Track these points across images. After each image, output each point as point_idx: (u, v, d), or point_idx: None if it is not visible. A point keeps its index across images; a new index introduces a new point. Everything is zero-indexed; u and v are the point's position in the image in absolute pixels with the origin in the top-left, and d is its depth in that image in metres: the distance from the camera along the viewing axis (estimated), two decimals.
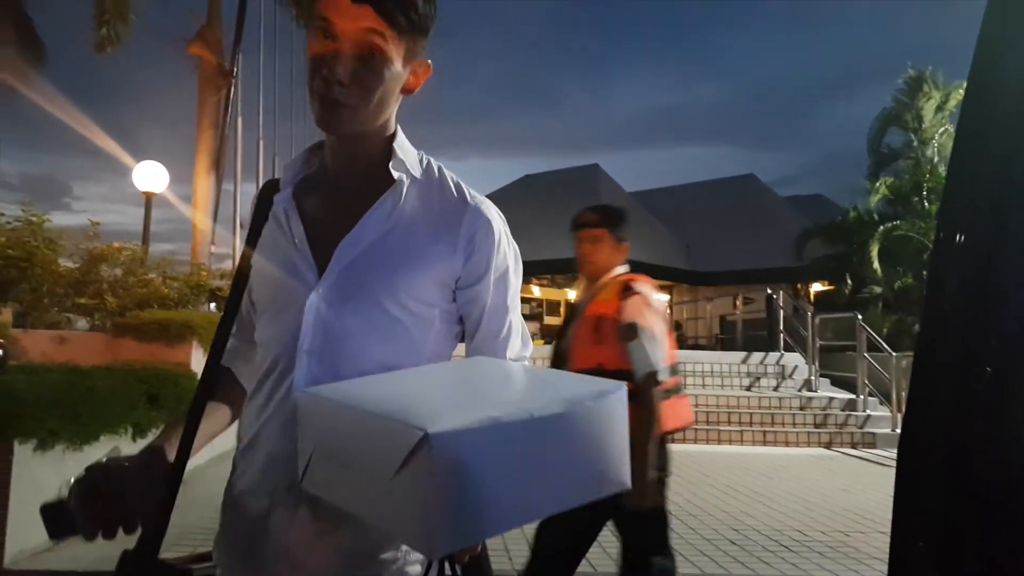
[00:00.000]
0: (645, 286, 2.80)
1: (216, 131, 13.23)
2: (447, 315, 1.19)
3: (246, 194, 15.01)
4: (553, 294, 27.44)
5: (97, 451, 4.22)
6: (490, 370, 1.12)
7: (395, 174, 1.16)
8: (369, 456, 0.85)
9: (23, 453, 3.88)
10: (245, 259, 1.21)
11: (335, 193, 1.19)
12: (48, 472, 3.98)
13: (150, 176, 10.56)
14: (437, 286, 1.16)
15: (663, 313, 2.75)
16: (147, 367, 5.95)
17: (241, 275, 1.22)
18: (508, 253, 1.25)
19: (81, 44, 11.40)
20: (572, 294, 27.53)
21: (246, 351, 1.28)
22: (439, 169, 1.24)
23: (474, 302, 1.21)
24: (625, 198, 26.52)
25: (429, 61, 1.18)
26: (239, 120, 14.22)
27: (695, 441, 9.20)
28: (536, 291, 26.90)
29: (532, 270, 24.21)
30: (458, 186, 1.23)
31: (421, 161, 1.23)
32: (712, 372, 11.35)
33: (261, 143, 14.95)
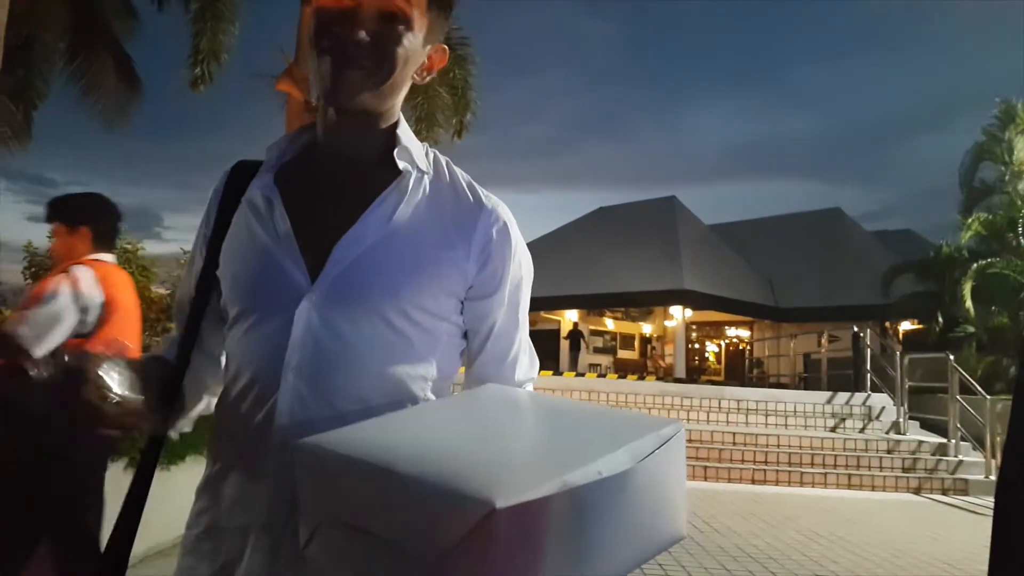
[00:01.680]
0: (80, 268, 2.82)
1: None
2: (454, 330, 1.04)
3: None
4: (627, 327, 27.03)
5: (183, 472, 4.27)
6: (527, 407, 0.97)
7: (400, 164, 1.01)
8: (410, 530, 0.70)
9: (114, 472, 3.89)
10: (211, 254, 1.05)
11: (327, 183, 1.03)
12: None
13: None
14: (446, 296, 1.00)
15: (83, 291, 2.75)
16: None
17: (207, 275, 1.05)
18: (523, 262, 1.10)
19: (175, 81, 11.87)
20: (647, 328, 27.03)
21: (201, 365, 1.09)
22: (447, 164, 1.10)
23: (484, 316, 1.06)
24: (704, 231, 26.06)
25: (446, 47, 1.06)
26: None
27: (776, 483, 8.73)
28: (610, 324, 26.54)
29: (605, 303, 23.95)
30: (471, 184, 1.08)
31: (428, 154, 1.08)
32: (795, 412, 10.88)
33: None
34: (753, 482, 8.62)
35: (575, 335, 22.75)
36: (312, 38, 0.97)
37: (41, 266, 8.34)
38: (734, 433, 9.55)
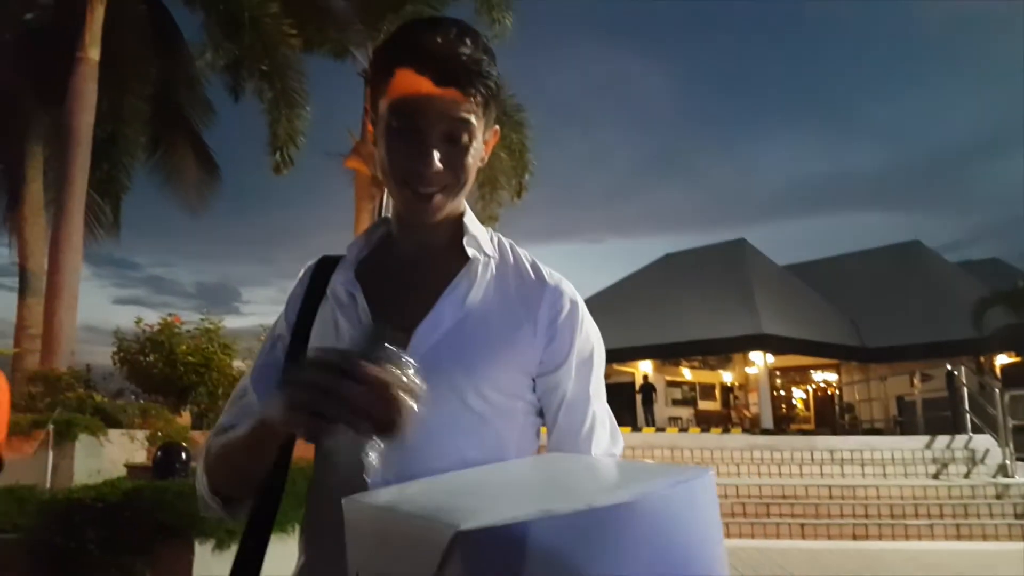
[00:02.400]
0: None
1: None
2: (530, 408, 1.08)
3: None
4: (706, 376, 26.38)
5: (267, 551, 4.37)
6: (561, 462, 0.99)
7: (470, 251, 1.07)
8: (408, 562, 0.73)
9: (202, 552, 4.01)
10: (295, 344, 1.10)
11: (402, 273, 1.10)
12: (224, 570, 3.97)
13: None
14: (520, 375, 1.05)
15: None
16: (312, 465, 6.00)
17: (291, 361, 1.09)
18: (591, 336, 1.12)
19: (250, 163, 12.50)
20: (727, 376, 26.36)
21: None
22: (511, 246, 1.16)
23: (554, 390, 1.08)
24: (778, 272, 25.52)
25: (497, 128, 1.11)
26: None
27: (879, 538, 8.27)
28: (687, 374, 25.95)
29: (681, 352, 23.46)
30: (534, 264, 1.14)
31: (492, 239, 1.14)
32: (893, 459, 10.34)
33: None
34: (854, 538, 8.18)
35: (647, 388, 22.34)
36: (387, 167, 1.02)
37: (128, 350, 8.65)
38: (830, 486, 9.13)
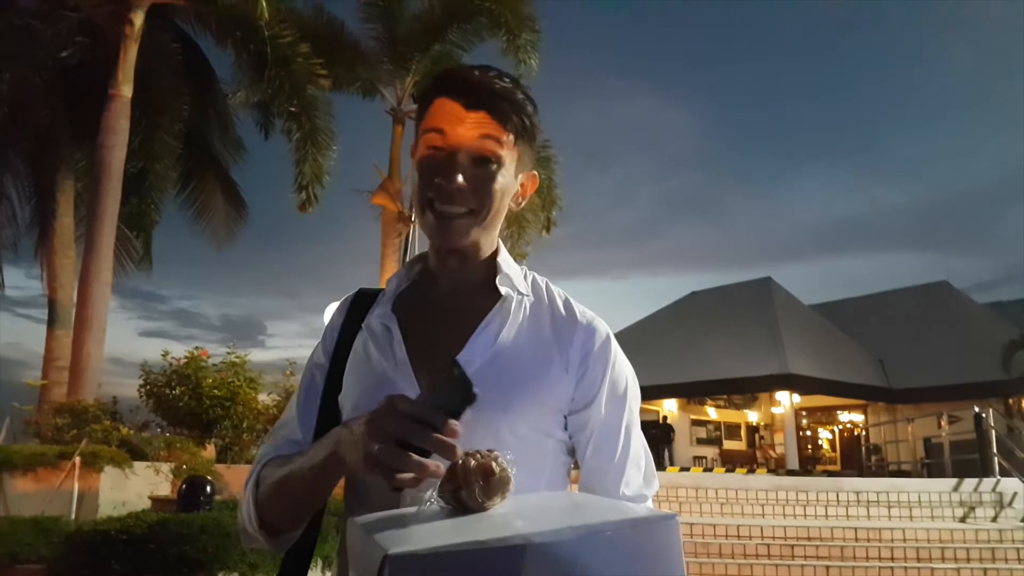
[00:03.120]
0: None
1: (397, 271, 14.17)
2: (561, 446, 1.08)
3: None
4: (732, 416, 26.03)
5: None
6: (552, 499, 0.96)
7: (503, 290, 1.09)
8: None
9: None
10: (333, 377, 1.13)
11: (437, 310, 1.12)
12: None
13: None
14: (551, 412, 1.06)
15: None
16: (335, 501, 6.00)
17: (329, 396, 1.12)
18: (624, 373, 1.12)
19: (277, 199, 12.72)
20: (753, 416, 26.02)
21: None
22: (545, 284, 1.18)
23: (584, 427, 1.08)
24: (805, 311, 25.29)
25: (535, 173, 1.15)
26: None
27: None
28: (712, 413, 25.63)
29: (706, 390, 23.21)
30: (567, 302, 1.15)
31: (526, 277, 1.16)
32: (920, 502, 10.14)
33: None
34: None
35: (665, 428, 22.01)
36: (417, 191, 1.06)
37: (155, 383, 8.74)
38: (856, 528, 8.96)
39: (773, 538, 8.81)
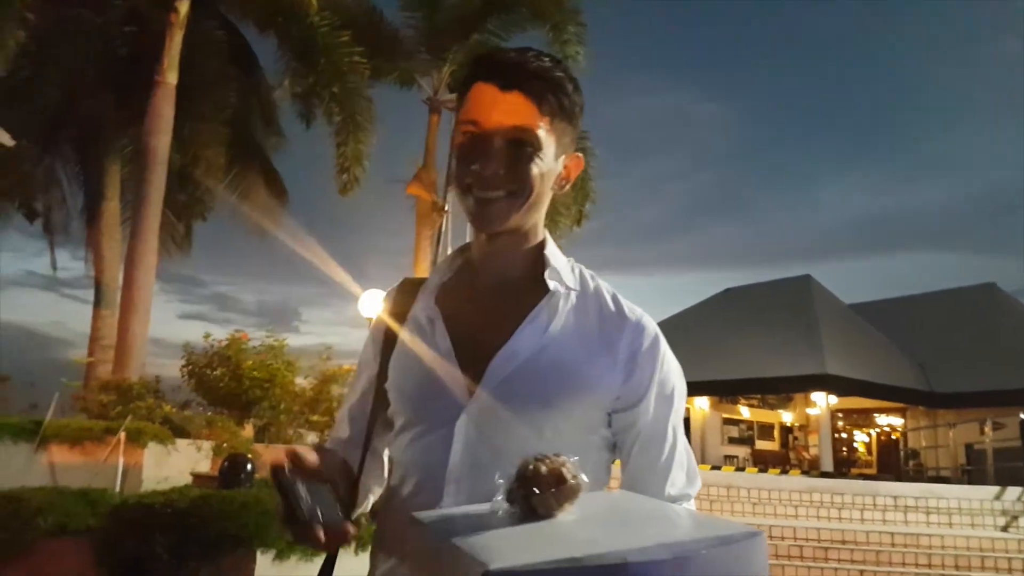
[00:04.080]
0: None
1: (430, 261, 14.19)
2: (604, 443, 1.09)
3: None
4: (765, 416, 25.73)
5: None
6: (620, 505, 0.94)
7: (551, 284, 1.07)
8: None
9: (264, 562, 4.12)
10: (381, 367, 1.14)
11: (482, 301, 1.11)
12: None
13: (374, 303, 11.29)
14: (596, 409, 1.05)
15: None
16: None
17: (379, 386, 1.14)
18: (672, 372, 1.11)
19: (315, 187, 12.84)
20: (787, 416, 25.73)
21: (372, 468, 1.20)
22: (593, 278, 1.16)
23: (631, 426, 1.07)
24: (844, 311, 24.93)
25: (580, 155, 1.12)
26: (449, 250, 15.15)
27: None
28: (745, 412, 25.36)
29: (739, 389, 22.97)
30: (615, 298, 1.13)
31: (573, 270, 1.15)
32: (960, 510, 9.97)
33: None
34: None
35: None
36: (456, 177, 1.05)
37: (197, 364, 8.90)
38: (892, 533, 8.83)
39: (806, 540, 8.72)
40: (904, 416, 23.16)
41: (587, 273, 1.16)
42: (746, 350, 21.81)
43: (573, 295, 1.09)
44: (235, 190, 13.22)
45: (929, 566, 8.23)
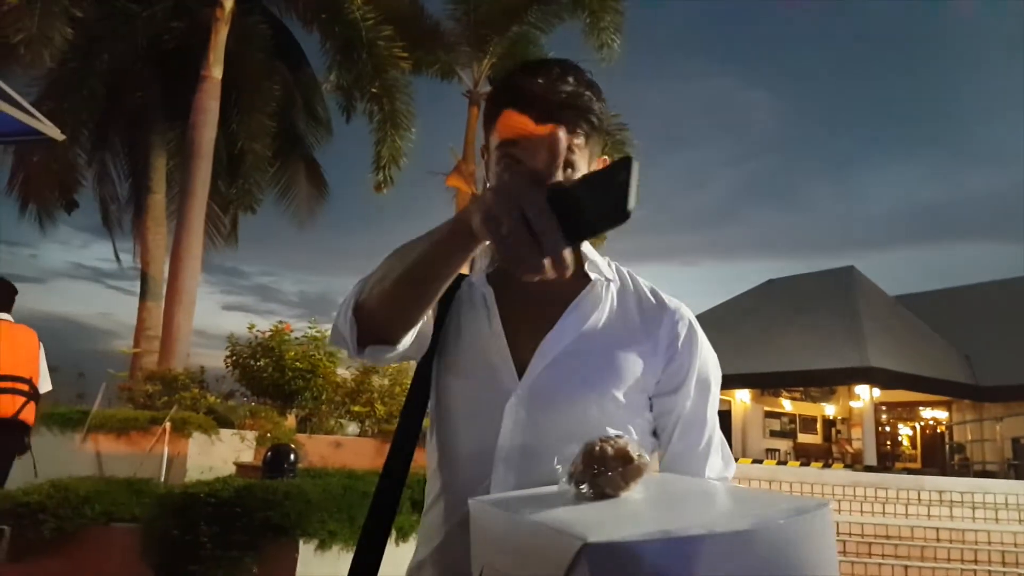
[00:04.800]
0: None
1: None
2: (647, 425, 1.14)
3: None
4: (807, 408, 25.38)
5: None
6: (680, 484, 1.00)
7: (592, 275, 1.13)
8: (534, 567, 0.79)
9: (306, 551, 4.13)
10: (432, 348, 1.14)
11: (526, 290, 1.09)
12: (326, 570, 4.17)
13: None
14: (637, 392, 1.10)
15: None
16: (411, 473, 6.14)
17: (428, 367, 1.15)
18: (709, 360, 1.18)
19: (356, 181, 12.94)
20: (830, 409, 25.36)
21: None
22: (629, 273, 1.22)
23: (671, 411, 1.14)
24: (889, 302, 24.46)
25: (605, 156, 1.15)
26: (487, 242, 15.25)
27: None
28: (787, 405, 25.03)
29: (781, 382, 22.64)
30: (653, 290, 1.19)
31: (611, 265, 1.21)
32: (1007, 504, 9.74)
33: None
34: None
35: None
36: None
37: (241, 354, 9.05)
38: (937, 528, 8.68)
39: (849, 535, 8.61)
40: (949, 409, 22.66)
41: (624, 269, 1.21)
42: (788, 342, 21.52)
43: (613, 286, 1.15)
44: (278, 182, 13.39)
45: (975, 562, 8.08)
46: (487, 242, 0.93)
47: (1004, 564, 8.11)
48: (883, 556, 8.18)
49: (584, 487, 0.85)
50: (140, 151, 12.81)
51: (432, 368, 1.16)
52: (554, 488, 0.91)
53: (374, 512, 1.11)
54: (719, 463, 1.16)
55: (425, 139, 13.49)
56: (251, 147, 11.76)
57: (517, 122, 1.04)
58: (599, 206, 0.76)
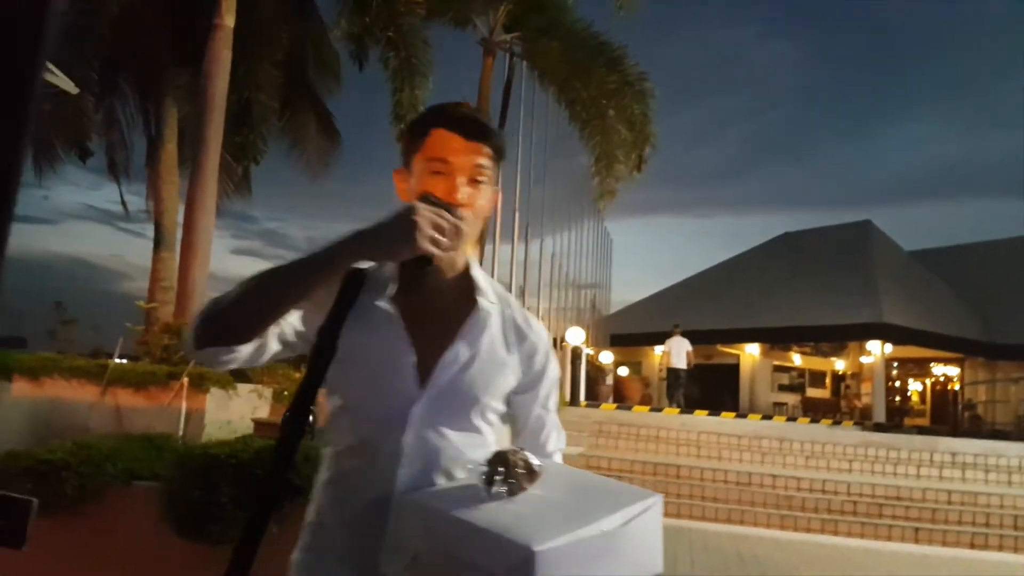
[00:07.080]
0: None
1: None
2: (503, 416, 1.42)
3: (502, 263, 15.73)
4: (817, 363, 25.39)
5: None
6: (555, 478, 1.20)
7: (481, 302, 1.33)
8: (473, 566, 1.01)
9: None
10: (331, 338, 1.18)
11: (424, 309, 1.32)
12: None
13: None
14: (506, 397, 1.39)
15: None
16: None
17: (328, 354, 1.18)
18: (553, 366, 1.48)
19: (364, 132, 12.78)
20: (840, 364, 25.36)
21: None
22: (505, 293, 1.45)
23: (526, 406, 1.46)
24: (904, 258, 24.31)
25: (498, 188, 1.40)
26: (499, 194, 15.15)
27: (1000, 548, 7.85)
28: (797, 360, 25.01)
29: (792, 336, 22.59)
30: (523, 312, 1.45)
31: (491, 286, 1.42)
32: (1020, 467, 9.78)
33: (516, 215, 15.60)
34: (972, 547, 7.82)
35: (673, 372, 17.35)
36: (422, 200, 1.23)
37: None
38: (949, 491, 8.72)
39: (860, 495, 8.66)
40: (962, 366, 22.62)
41: (499, 286, 1.45)
42: (801, 296, 21.44)
43: (494, 309, 1.37)
44: (288, 132, 13.23)
45: (987, 525, 8.12)
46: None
47: (1016, 528, 8.13)
48: (894, 518, 8.24)
49: (496, 488, 1.09)
50: (152, 100, 12.64)
51: (328, 367, 1.18)
52: (469, 485, 1.14)
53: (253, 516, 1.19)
54: (555, 438, 1.51)
55: (439, 89, 13.28)
56: (257, 97, 11.58)
57: (448, 139, 1.28)
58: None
